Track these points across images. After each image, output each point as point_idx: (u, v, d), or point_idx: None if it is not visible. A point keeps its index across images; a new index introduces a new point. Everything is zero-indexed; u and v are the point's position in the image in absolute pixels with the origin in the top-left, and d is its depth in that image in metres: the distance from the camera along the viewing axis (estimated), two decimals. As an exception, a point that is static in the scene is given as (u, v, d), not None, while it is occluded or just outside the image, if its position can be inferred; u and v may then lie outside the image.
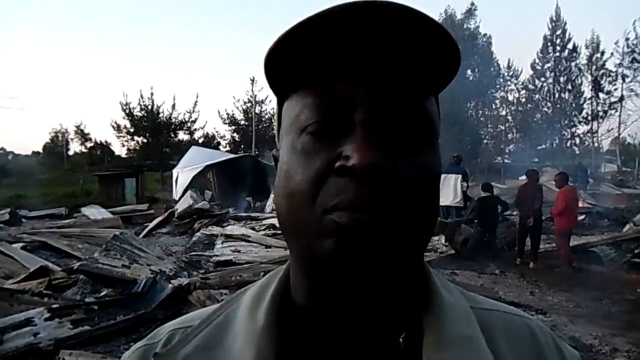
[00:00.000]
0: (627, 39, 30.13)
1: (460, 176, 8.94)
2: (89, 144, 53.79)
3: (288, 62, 0.42)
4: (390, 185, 0.38)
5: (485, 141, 39.50)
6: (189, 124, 29.88)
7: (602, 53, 34.08)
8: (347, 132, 0.40)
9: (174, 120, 28.97)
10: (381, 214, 0.38)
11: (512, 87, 39.50)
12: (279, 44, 0.41)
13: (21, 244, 8.37)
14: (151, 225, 11.74)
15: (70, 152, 55.64)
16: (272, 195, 14.78)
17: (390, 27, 0.39)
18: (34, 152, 59.74)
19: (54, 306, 4.35)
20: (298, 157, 0.42)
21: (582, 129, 36.61)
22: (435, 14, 35.42)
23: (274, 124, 0.52)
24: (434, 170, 0.43)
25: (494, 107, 40.06)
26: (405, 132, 0.41)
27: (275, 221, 10.18)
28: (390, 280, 0.41)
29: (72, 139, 56.32)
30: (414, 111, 0.42)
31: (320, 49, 0.40)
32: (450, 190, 8.95)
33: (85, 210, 14.54)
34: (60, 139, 57.10)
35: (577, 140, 37.93)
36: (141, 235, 9.77)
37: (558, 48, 36.17)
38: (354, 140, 0.39)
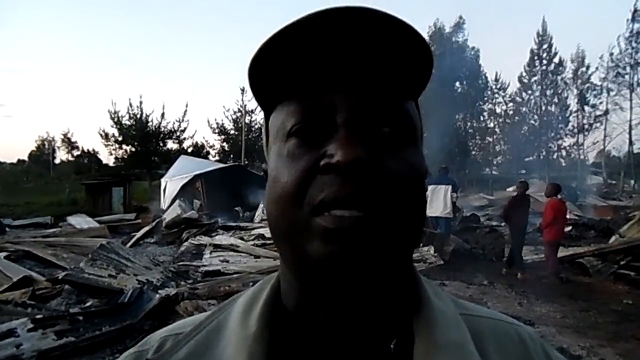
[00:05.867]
0: (611, 54, 30.88)
1: (450, 187, 8.99)
2: (76, 152, 53.49)
3: (269, 72, 0.43)
4: (376, 180, 0.39)
5: (473, 153, 39.89)
6: (178, 133, 29.83)
7: (588, 67, 34.90)
8: (330, 134, 0.41)
9: (163, 129, 28.90)
10: (369, 210, 0.38)
11: (500, 99, 40.18)
12: (259, 55, 0.41)
13: (5, 254, 8.22)
14: (138, 234, 11.62)
15: (57, 161, 55.23)
16: (261, 205, 14.73)
17: (365, 32, 0.40)
18: (19, 160, 59.02)
19: (37, 317, 4.26)
20: (284, 161, 0.43)
21: (568, 141, 37.32)
22: (425, 27, 35.94)
23: (263, 137, 0.52)
24: (418, 168, 0.44)
25: (482, 119, 40.55)
26: (386, 130, 0.42)
27: (264, 231, 10.14)
28: (381, 279, 0.41)
29: (58, 147, 55.93)
30: (393, 111, 0.42)
31: (298, 57, 0.41)
32: (440, 201, 8.98)
33: (71, 220, 14.35)
34: (46, 147, 56.62)
35: (564, 153, 38.57)
36: (128, 245, 9.66)
37: (544, 62, 36.89)
38: (337, 139, 0.40)
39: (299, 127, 0.42)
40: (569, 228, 10.84)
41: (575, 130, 35.73)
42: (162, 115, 28.89)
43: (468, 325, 0.47)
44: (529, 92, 37.64)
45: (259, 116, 35.81)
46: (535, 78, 37.30)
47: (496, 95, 39.95)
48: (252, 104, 35.23)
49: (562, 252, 7.79)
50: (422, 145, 0.49)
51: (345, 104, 0.41)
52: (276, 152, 0.44)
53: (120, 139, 28.15)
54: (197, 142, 38.41)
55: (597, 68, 32.83)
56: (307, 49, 0.41)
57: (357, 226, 0.38)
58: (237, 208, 15.87)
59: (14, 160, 59.69)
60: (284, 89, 0.44)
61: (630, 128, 30.09)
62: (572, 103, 35.85)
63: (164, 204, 16.97)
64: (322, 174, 0.39)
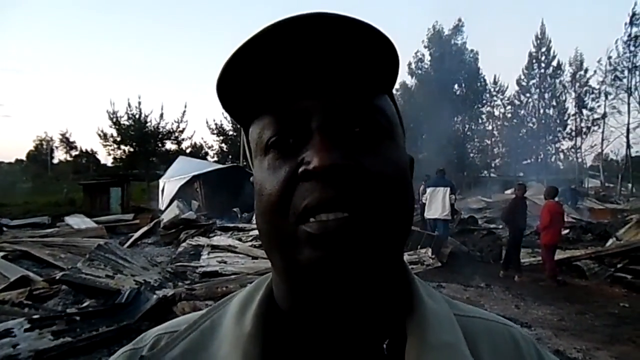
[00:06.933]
0: (609, 58, 30.87)
1: (448, 189, 9.00)
2: (74, 153, 53.43)
3: (238, 89, 0.44)
4: (356, 180, 0.40)
5: (471, 155, 39.91)
6: (176, 134, 29.68)
7: (586, 71, 34.94)
8: (306, 141, 0.41)
9: (161, 129, 28.75)
10: (353, 210, 0.39)
11: (498, 102, 40.18)
12: (223, 75, 0.42)
13: (2, 253, 8.19)
14: (136, 235, 11.60)
15: (55, 161, 55.11)
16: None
17: (325, 37, 0.40)
18: (17, 160, 58.82)
19: (34, 317, 4.25)
20: (266, 173, 0.43)
21: (566, 144, 37.35)
22: (424, 29, 35.96)
23: (247, 151, 0.52)
24: (398, 162, 0.44)
25: (480, 121, 40.54)
26: (361, 130, 0.42)
27: (262, 232, 10.10)
28: (372, 279, 0.41)
29: (56, 147, 55.83)
30: (365, 109, 0.43)
31: (263, 70, 0.42)
32: (439, 203, 8.99)
33: (69, 220, 14.30)
34: (44, 146, 56.47)
35: (562, 156, 38.63)
36: (126, 245, 9.64)
37: (543, 65, 36.95)
38: (312, 146, 0.40)
39: (275, 138, 0.43)
40: (566, 231, 10.86)
41: (573, 133, 35.76)
42: (161, 115, 28.75)
43: (461, 326, 0.48)
44: (528, 95, 37.69)
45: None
46: (534, 81, 37.35)
47: (495, 98, 39.99)
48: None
49: (559, 255, 7.81)
50: (404, 138, 0.50)
51: (317, 109, 0.42)
52: (258, 166, 0.45)
53: (118, 139, 27.98)
54: (195, 143, 38.49)
55: (595, 71, 32.87)
56: (271, 62, 0.41)
57: (342, 229, 0.38)
58: (235, 209, 15.83)
59: (12, 160, 59.59)
60: (256, 103, 0.44)
61: (628, 131, 30.14)
62: (570, 106, 35.92)
63: (162, 205, 16.93)
64: (303, 182, 0.40)
